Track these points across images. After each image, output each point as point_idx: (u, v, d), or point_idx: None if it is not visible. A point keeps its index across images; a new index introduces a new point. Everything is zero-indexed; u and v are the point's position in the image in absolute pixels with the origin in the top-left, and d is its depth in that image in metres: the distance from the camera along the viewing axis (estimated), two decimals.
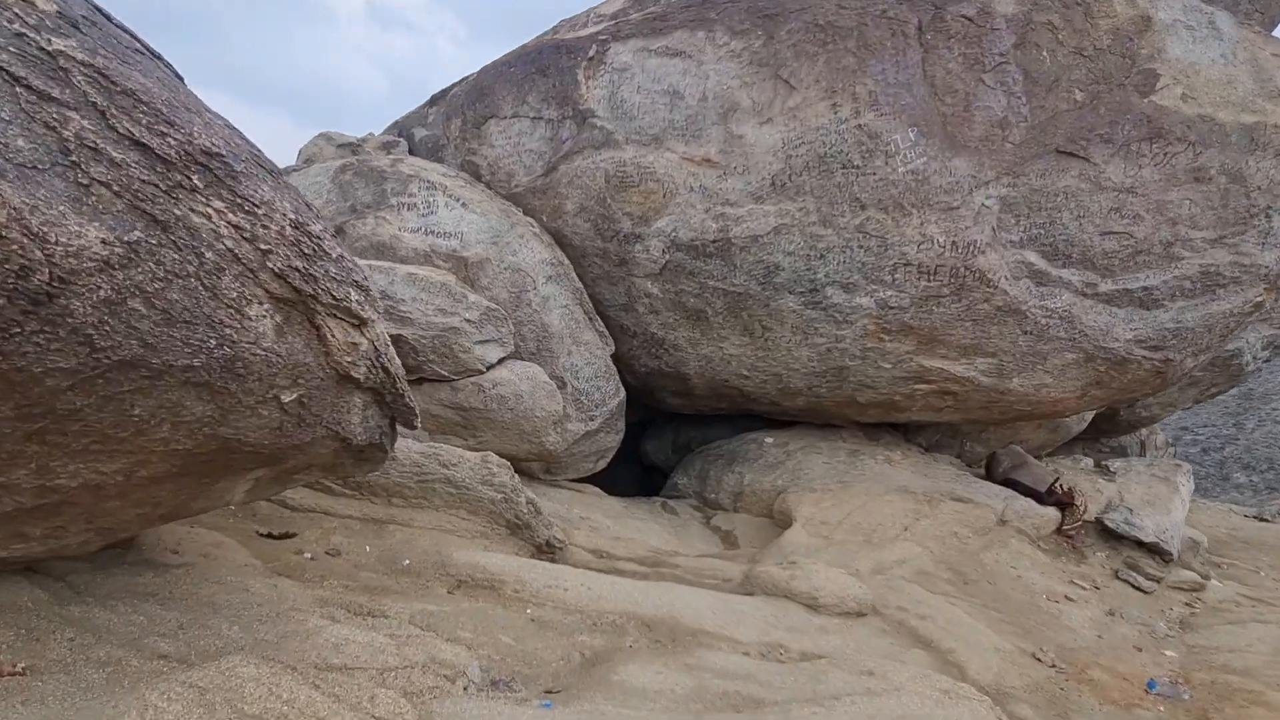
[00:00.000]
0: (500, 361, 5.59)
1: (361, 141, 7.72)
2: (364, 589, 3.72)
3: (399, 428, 2.74)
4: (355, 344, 1.98)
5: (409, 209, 6.12)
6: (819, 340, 5.83)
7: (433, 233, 6.02)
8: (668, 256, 5.86)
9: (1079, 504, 6.68)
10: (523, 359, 6.04)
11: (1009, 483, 6.89)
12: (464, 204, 6.07)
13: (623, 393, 6.51)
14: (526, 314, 5.98)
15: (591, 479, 7.51)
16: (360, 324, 2.02)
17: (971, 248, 5.07)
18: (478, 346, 5.41)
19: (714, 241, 5.62)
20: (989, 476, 7.21)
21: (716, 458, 7.40)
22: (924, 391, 6.00)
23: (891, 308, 5.45)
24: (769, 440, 7.26)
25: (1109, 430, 9.93)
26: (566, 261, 6.13)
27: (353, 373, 2.01)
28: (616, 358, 7.11)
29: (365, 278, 2.13)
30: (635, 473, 9.79)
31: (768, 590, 4.52)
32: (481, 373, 5.48)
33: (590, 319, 6.30)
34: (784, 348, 6.02)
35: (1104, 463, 8.35)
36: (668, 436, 8.91)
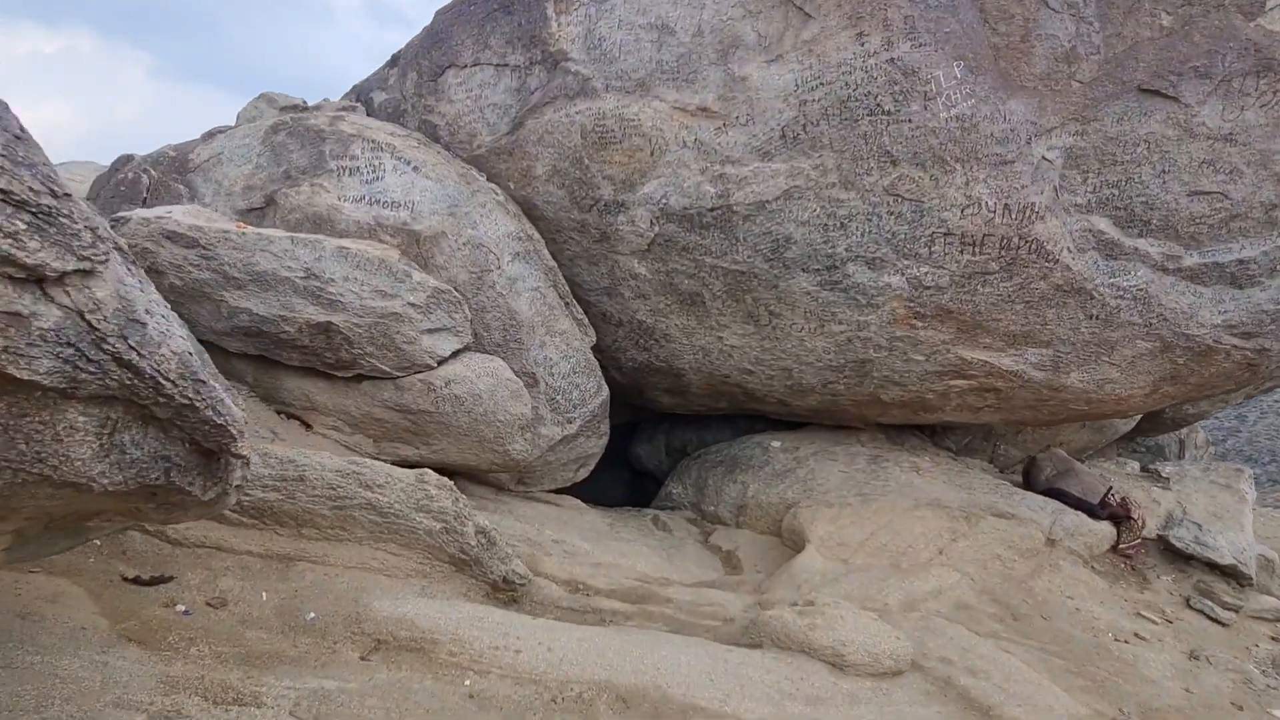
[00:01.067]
0: (455, 355, 4.64)
1: (315, 108, 6.76)
2: (243, 658, 2.78)
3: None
4: (19, 315, 1.07)
5: (351, 174, 5.17)
6: (837, 328, 4.88)
7: (378, 202, 5.07)
8: (657, 229, 4.91)
9: (1137, 518, 5.75)
10: (485, 351, 5.09)
11: (1053, 493, 5.95)
12: (416, 168, 5.11)
13: (606, 391, 5.57)
14: (490, 298, 5.03)
15: (573, 489, 6.59)
16: (37, 279, 1.09)
17: (1028, 212, 4.12)
18: (426, 337, 4.46)
19: (712, 210, 4.67)
20: (1028, 485, 6.27)
21: (715, 464, 6.46)
22: (961, 389, 5.05)
23: (926, 288, 4.50)
24: (776, 444, 6.32)
25: (1148, 429, 8.98)
26: (537, 236, 5.18)
27: (14, 369, 1.08)
28: (599, 350, 6.17)
29: (67, 204, 1.19)
30: (625, 479, 8.88)
31: (779, 642, 3.59)
32: (432, 368, 4.53)
33: (567, 305, 5.35)
34: (795, 338, 5.07)
35: (1151, 467, 7.41)
36: (660, 439, 7.98)
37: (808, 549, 5.05)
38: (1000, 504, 5.41)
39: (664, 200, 4.77)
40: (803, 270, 4.69)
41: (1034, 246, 4.22)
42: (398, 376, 4.55)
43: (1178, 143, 3.96)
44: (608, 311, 5.69)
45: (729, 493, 6.13)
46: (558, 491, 6.06)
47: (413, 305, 4.36)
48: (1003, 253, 4.28)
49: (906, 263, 4.48)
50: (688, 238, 4.87)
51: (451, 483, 3.65)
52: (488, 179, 5.41)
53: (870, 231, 4.43)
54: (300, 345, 4.45)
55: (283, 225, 5.23)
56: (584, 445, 5.72)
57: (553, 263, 5.21)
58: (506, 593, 3.86)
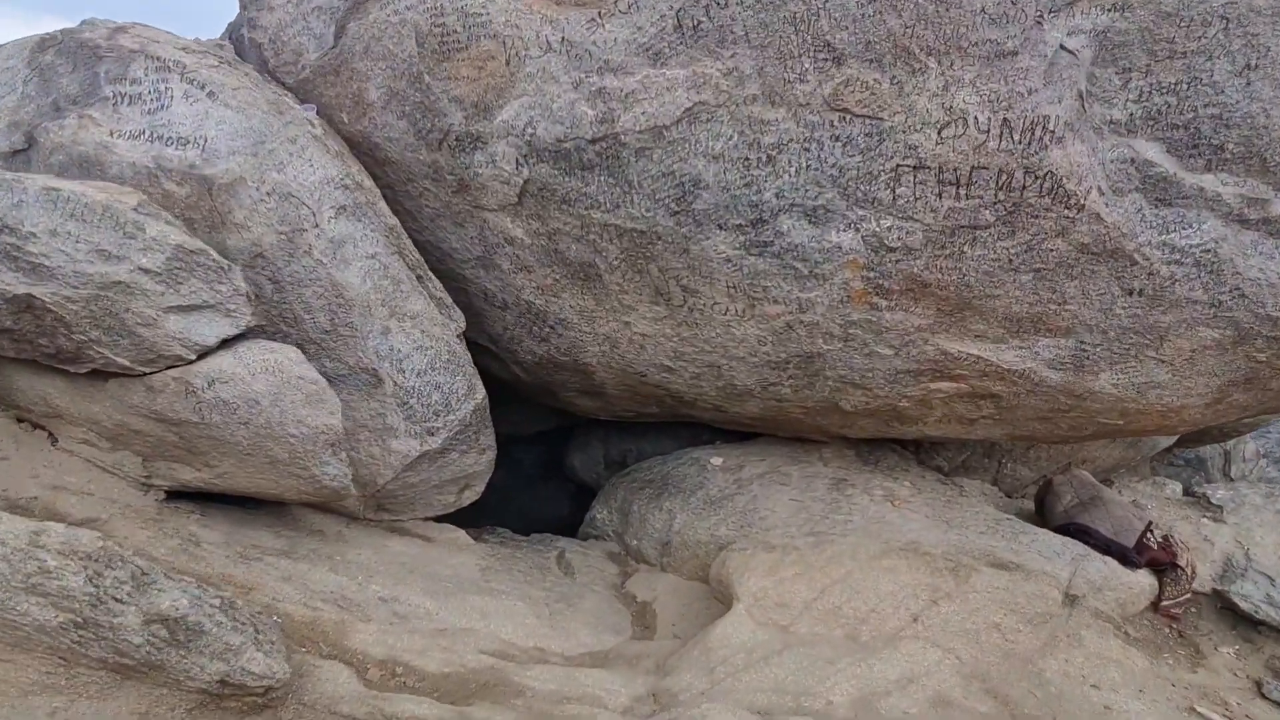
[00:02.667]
0: (229, 343, 3.32)
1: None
2: None
3: None
4: None
5: (130, 103, 3.86)
6: (772, 309, 3.52)
7: (160, 138, 3.76)
8: (526, 171, 3.56)
9: (1185, 565, 4.34)
10: (311, 341, 3.78)
11: (1074, 530, 4.54)
12: (211, 93, 3.79)
13: (481, 393, 4.24)
14: (306, 268, 3.71)
15: (496, 508, 5.38)
16: None
17: (1038, 131, 2.74)
18: (173, 317, 3.15)
19: (594, 142, 3.32)
20: (1043, 518, 4.87)
21: (643, 485, 5.11)
22: (946, 394, 3.67)
23: (890, 249, 3.13)
24: (715, 461, 4.96)
25: (1191, 440, 7.50)
26: (370, 184, 3.85)
27: None
28: (494, 341, 4.84)
29: None
30: (569, 493, 7.57)
31: None
32: (188, 362, 3.22)
33: (420, 279, 4.02)
34: (719, 322, 3.71)
35: (1199, 490, 5.95)
36: (597, 448, 6.66)
37: (735, 610, 3.70)
38: (1001, 549, 4.02)
39: (530, 129, 3.42)
40: (720, 227, 3.33)
41: (1048, 185, 2.84)
42: (144, 373, 3.25)
43: (1274, 20, 2.56)
44: (488, 289, 4.36)
45: (654, 523, 4.78)
46: (440, 519, 4.75)
47: (146, 271, 3.05)
48: (1001, 195, 2.89)
49: (861, 212, 3.10)
50: (567, 184, 3.52)
51: (105, 542, 2.33)
52: (320, 111, 4.10)
53: (808, 167, 3.06)
54: (5, 329, 3.17)
55: (45, 171, 3.94)
56: (459, 463, 4.39)
57: (394, 221, 3.88)
58: (244, 699, 2.55)
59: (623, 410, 5.26)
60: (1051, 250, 3.00)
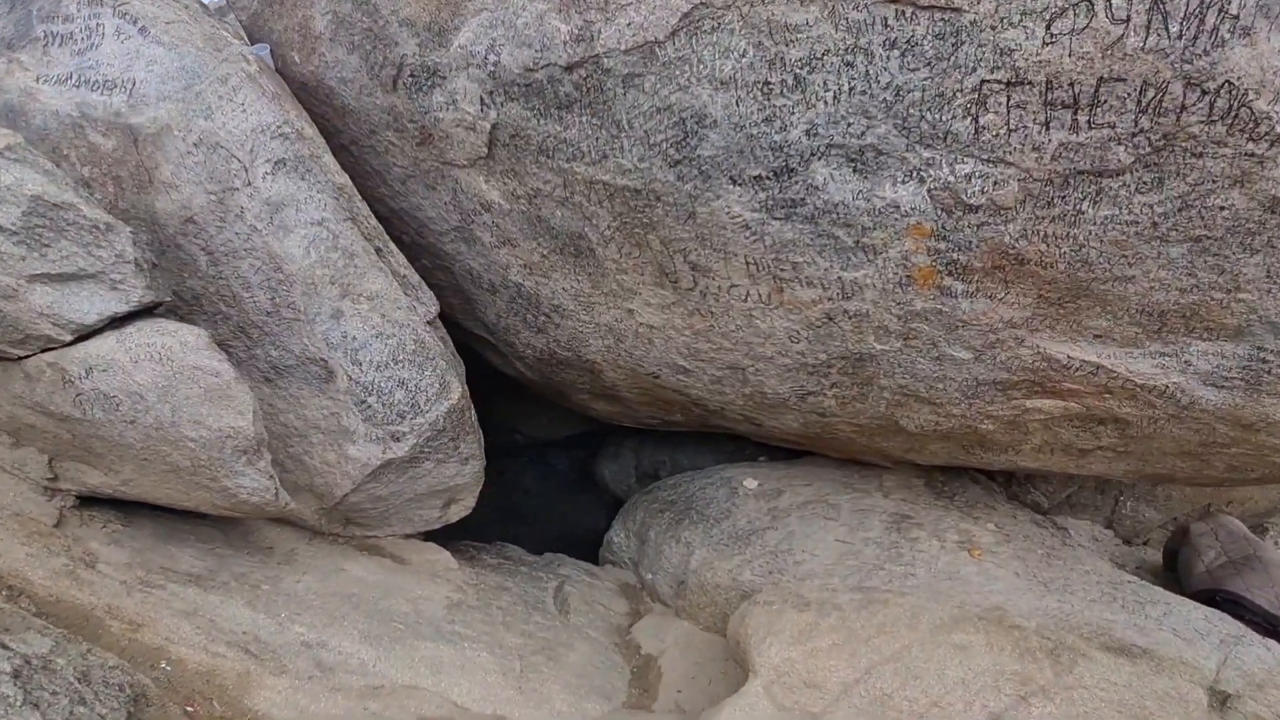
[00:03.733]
0: (119, 322, 2.70)
1: None
2: None
3: None
4: None
5: (61, 43, 3.32)
6: (804, 293, 2.62)
7: (87, 82, 3.20)
8: (493, 113, 2.80)
9: None
10: (250, 328, 3.17)
11: (1222, 599, 3.41)
12: (143, 28, 3.20)
13: (457, 392, 3.50)
14: (239, 236, 3.08)
15: (524, 514, 4.78)
16: None
17: (1210, 18, 1.75)
18: (39, 289, 2.54)
19: (569, 68, 2.51)
20: (1176, 578, 3.75)
21: (663, 508, 4.28)
22: (1048, 416, 2.68)
23: (970, 207, 2.19)
24: (750, 484, 4.07)
25: None
26: (312, 132, 3.16)
27: None
28: (492, 331, 4.12)
29: None
30: (605, 504, 6.83)
31: None
32: (62, 344, 2.61)
33: (380, 252, 3.31)
34: (738, 310, 2.84)
35: None
36: (628, 457, 5.87)
37: (750, 687, 2.83)
38: (1120, 625, 2.97)
39: (492, 56, 2.65)
40: (733, 181, 2.46)
41: (1222, 104, 1.84)
42: (18, 356, 2.66)
43: None
44: (472, 269, 3.63)
45: (670, 556, 3.95)
46: (426, 536, 4.07)
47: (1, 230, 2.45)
48: (1145, 122, 1.91)
49: (928, 154, 2.17)
50: (542, 128, 2.73)
51: None
52: (272, 53, 3.47)
53: (852, 90, 2.16)
54: None
55: None
56: (436, 474, 3.68)
57: (345, 179, 3.19)
58: None
59: (646, 418, 4.45)
60: (1222, 209, 1.99)
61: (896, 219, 2.30)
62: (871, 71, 2.11)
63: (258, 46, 3.45)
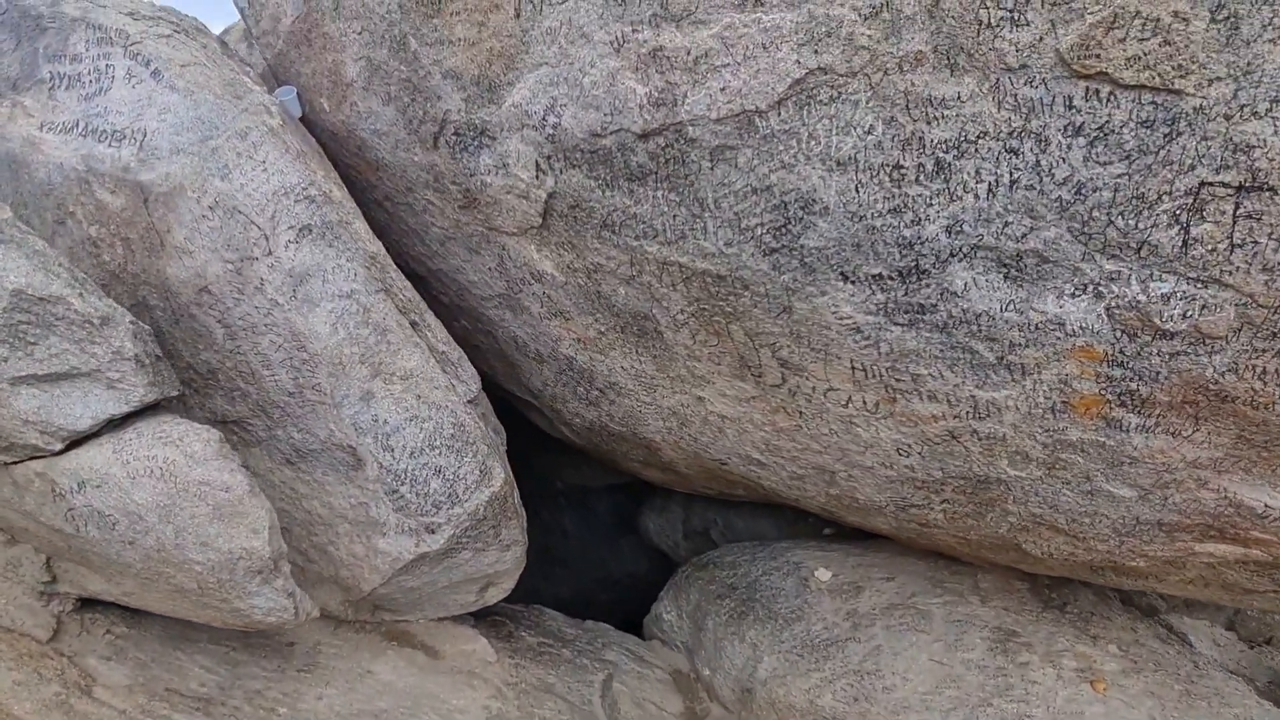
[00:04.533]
0: (117, 425, 2.33)
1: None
2: None
3: None
4: None
5: (67, 85, 2.98)
6: (924, 408, 2.16)
7: (94, 131, 2.85)
8: (550, 181, 2.37)
9: None
10: (272, 412, 2.81)
11: None
12: (156, 71, 2.84)
13: (499, 479, 3.09)
14: (258, 310, 2.71)
15: (563, 556, 4.43)
16: None
17: None
18: (24, 392, 2.18)
19: (645, 136, 2.08)
20: None
21: (722, 593, 3.85)
22: (1218, 560, 2.19)
23: (1164, 333, 1.71)
24: (823, 576, 3.61)
25: None
26: (341, 195, 2.77)
27: None
28: (537, 396, 3.72)
29: None
30: (646, 550, 6.45)
31: None
32: (51, 453, 2.25)
33: (415, 326, 2.92)
34: (835, 415, 2.39)
35: None
36: (676, 512, 5.45)
37: None
38: None
39: (552, 118, 2.23)
40: (845, 277, 2.01)
41: None
42: (6, 463, 2.31)
43: None
44: (518, 337, 3.22)
45: (732, 656, 3.51)
46: (457, 619, 3.69)
47: None
48: None
49: (1112, 266, 1.70)
50: (608, 201, 2.30)
51: None
52: (303, 94, 3.09)
53: (1015, 183, 1.70)
54: None
55: None
56: (474, 563, 3.29)
57: (377, 247, 2.79)
58: None
59: (702, 488, 4.02)
60: None
61: (1058, 338, 1.83)
62: (1044, 163, 1.64)
63: (283, 90, 3.08)
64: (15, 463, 2.27)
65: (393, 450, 2.94)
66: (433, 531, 3.09)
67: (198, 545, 2.26)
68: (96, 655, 2.65)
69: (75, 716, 2.42)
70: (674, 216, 2.22)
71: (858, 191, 1.87)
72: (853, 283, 2.01)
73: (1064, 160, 1.63)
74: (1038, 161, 1.65)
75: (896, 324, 2.02)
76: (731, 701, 3.47)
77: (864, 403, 2.28)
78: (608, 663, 3.86)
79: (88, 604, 2.81)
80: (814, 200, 1.94)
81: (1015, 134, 1.65)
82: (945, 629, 3.13)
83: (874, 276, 1.97)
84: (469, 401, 3.05)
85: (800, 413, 2.50)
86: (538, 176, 2.39)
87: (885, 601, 3.34)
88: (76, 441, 2.25)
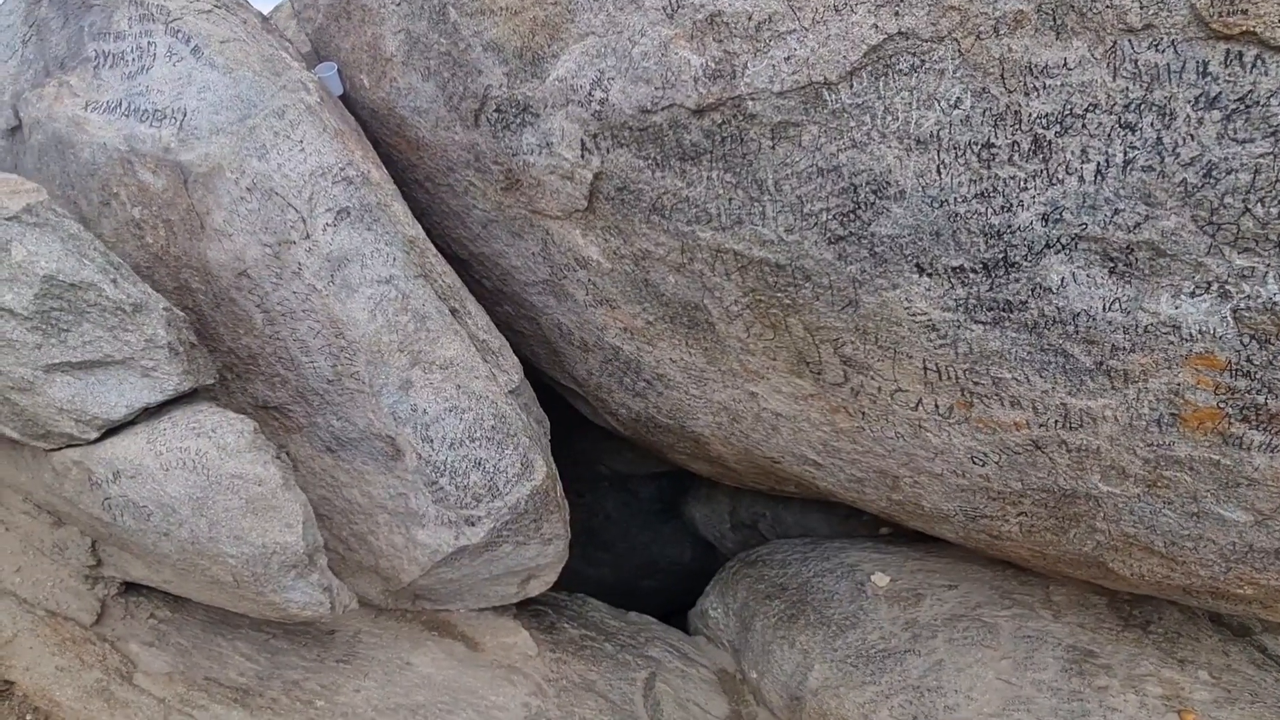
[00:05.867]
0: (153, 413, 2.27)
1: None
2: None
3: None
4: None
5: (111, 64, 2.93)
6: (1005, 414, 1.94)
7: (136, 111, 2.79)
8: (596, 160, 2.21)
9: None
10: (309, 396, 2.75)
11: None
12: (196, 49, 2.76)
13: (542, 472, 2.97)
14: (296, 295, 2.63)
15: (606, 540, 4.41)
16: None
17: None
18: (59, 380, 2.13)
19: (699, 111, 1.89)
20: None
21: (771, 593, 3.68)
22: None
23: None
24: (879, 580, 3.41)
25: None
26: (380, 176, 2.65)
27: None
28: (582, 385, 3.59)
29: None
30: (690, 537, 6.34)
31: None
32: (86, 442, 2.21)
33: (456, 313, 2.80)
34: (902, 418, 2.19)
35: None
36: (723, 503, 5.29)
37: None
38: None
39: (599, 92, 2.06)
40: (920, 269, 1.80)
41: None
42: (45, 449, 2.28)
43: None
44: (562, 324, 3.09)
45: (781, 661, 3.36)
46: (499, 610, 3.62)
47: (10, 313, 2.03)
48: None
49: (1245, 261, 1.46)
50: (658, 182, 2.13)
51: None
52: (342, 70, 2.98)
53: (1129, 164, 1.46)
54: None
55: (29, 154, 3.16)
56: (515, 556, 3.20)
57: (417, 230, 2.68)
58: None
59: (751, 483, 3.85)
60: None
61: (1170, 343, 1.60)
62: (1168, 140, 1.40)
63: (323, 66, 2.97)
64: (54, 450, 2.24)
65: (432, 441, 2.85)
66: (472, 524, 3.00)
67: (231, 539, 2.20)
68: (139, 640, 2.65)
69: (115, 704, 2.41)
70: (730, 200, 2.03)
71: (939, 173, 1.66)
72: (929, 275, 1.80)
73: (1192, 137, 1.39)
74: (1159, 139, 1.42)
75: (978, 322, 1.80)
76: (780, 708, 3.32)
77: (936, 406, 2.07)
78: (651, 659, 3.74)
79: (132, 588, 2.81)
80: (888, 183, 1.73)
81: (1133, 107, 1.41)
82: (1014, 645, 2.91)
83: (954, 269, 1.76)
84: (510, 392, 2.93)
85: (863, 414, 2.30)
86: (583, 156, 2.23)
87: (948, 612, 3.13)
88: (113, 430, 2.20)
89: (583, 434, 5.18)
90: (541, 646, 3.50)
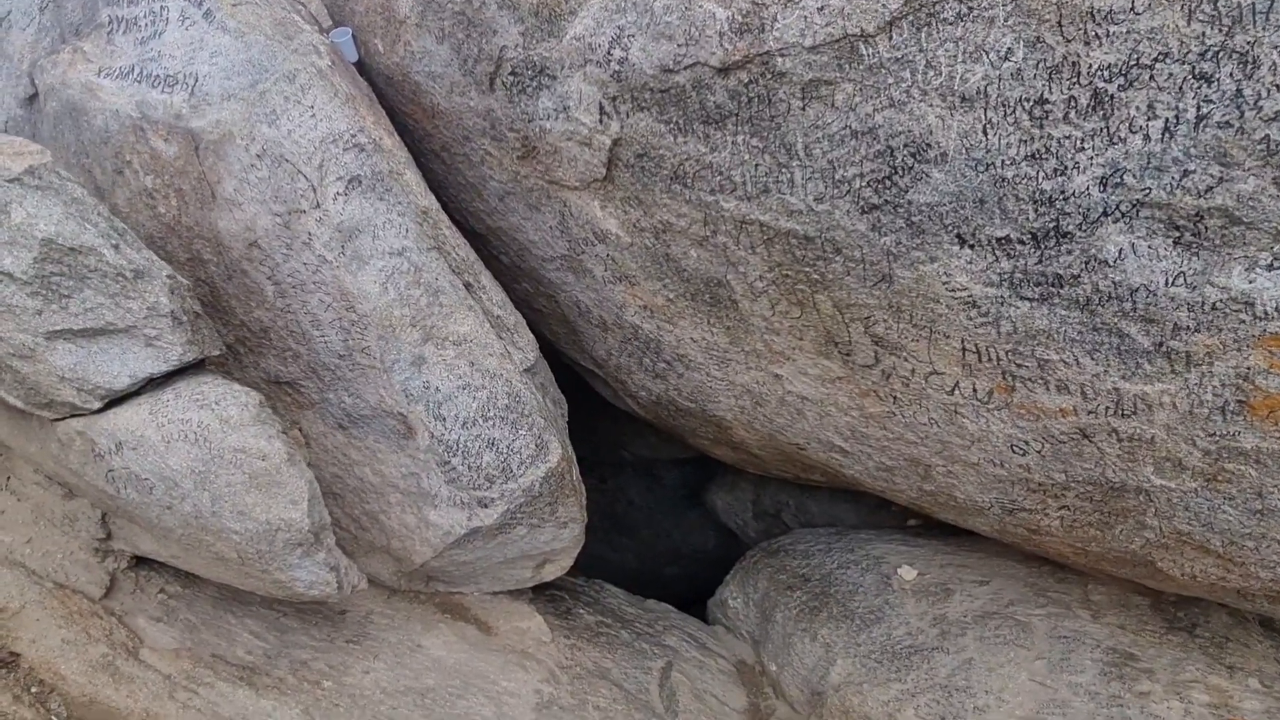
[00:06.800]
0: (156, 384, 2.22)
1: None
2: None
3: None
4: None
5: (125, 29, 2.87)
6: (1050, 400, 1.80)
7: (148, 76, 2.73)
8: (615, 125, 2.09)
9: None
10: (320, 372, 2.68)
11: None
12: (208, 12, 2.68)
13: (557, 454, 2.88)
14: (306, 267, 2.56)
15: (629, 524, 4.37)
16: None
17: None
18: (60, 347, 2.07)
19: (724, 70, 1.76)
20: None
21: (792, 584, 3.57)
22: None
23: None
24: (906, 574, 3.28)
25: None
26: (393, 143, 2.56)
27: None
28: (601, 366, 3.49)
29: None
30: (714, 524, 6.23)
31: None
32: (90, 411, 2.16)
33: (470, 288, 2.70)
34: (937, 402, 2.06)
35: None
36: (746, 491, 5.18)
37: None
38: None
39: (619, 50, 1.94)
40: (962, 240, 1.67)
41: None
42: (50, 419, 2.23)
43: None
44: (580, 302, 2.98)
45: (802, 654, 3.24)
46: (514, 594, 3.55)
47: (10, 278, 1.98)
48: None
49: None
50: (681, 147, 2.00)
51: None
52: (356, 37, 2.89)
53: (1204, 119, 1.31)
54: None
55: (45, 123, 3.12)
56: (529, 540, 3.12)
57: (430, 201, 2.58)
58: None
59: (775, 471, 3.72)
60: None
61: (1242, 321, 1.45)
62: (1249, 93, 1.25)
63: (338, 31, 2.88)
64: (58, 420, 2.19)
65: (444, 420, 2.77)
66: (485, 506, 2.92)
67: (234, 514, 2.14)
68: (147, 615, 2.61)
69: (120, 679, 2.38)
70: (755, 166, 1.90)
71: (985, 134, 1.52)
72: (971, 247, 1.66)
73: (1278, 89, 1.23)
74: (1239, 91, 1.26)
75: (1024, 298, 1.66)
76: (800, 702, 3.21)
77: (974, 390, 1.94)
78: (668, 648, 3.65)
79: (143, 562, 2.78)
80: (928, 145, 1.59)
81: (1209, 55, 1.26)
82: (1049, 645, 2.76)
83: (999, 240, 1.62)
84: (526, 370, 2.84)
85: (894, 398, 2.17)
86: (601, 121, 2.11)
87: (979, 608, 2.99)
88: (117, 400, 2.15)
89: (606, 418, 5.09)
90: (556, 632, 3.43)
